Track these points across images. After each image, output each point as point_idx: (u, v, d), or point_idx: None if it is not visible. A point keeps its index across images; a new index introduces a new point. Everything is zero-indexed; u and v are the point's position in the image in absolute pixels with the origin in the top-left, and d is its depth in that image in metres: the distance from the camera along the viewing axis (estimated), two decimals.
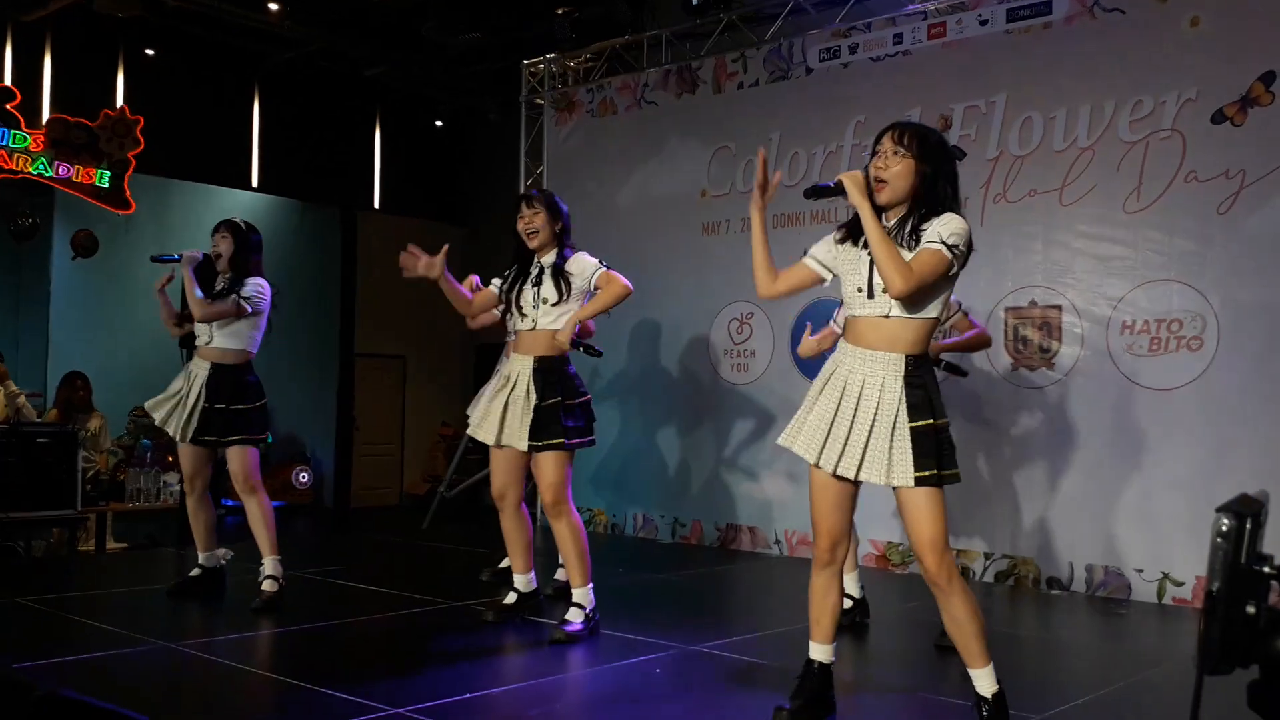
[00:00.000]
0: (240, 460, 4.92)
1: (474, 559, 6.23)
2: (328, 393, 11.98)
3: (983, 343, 4.79)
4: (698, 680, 3.96)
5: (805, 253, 3.33)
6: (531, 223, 4.45)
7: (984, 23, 6.61)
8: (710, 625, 4.99)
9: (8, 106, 9.59)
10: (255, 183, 11.48)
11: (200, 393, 4.89)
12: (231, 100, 11.25)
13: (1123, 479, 5.94)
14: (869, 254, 3.03)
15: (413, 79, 11.70)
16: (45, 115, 9.93)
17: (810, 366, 7.10)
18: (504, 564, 5.41)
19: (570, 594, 4.51)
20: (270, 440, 5.18)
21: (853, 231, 3.15)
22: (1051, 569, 6.12)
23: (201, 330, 4.95)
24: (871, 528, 6.38)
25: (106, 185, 10.13)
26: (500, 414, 4.41)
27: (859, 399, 3.03)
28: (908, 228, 3.05)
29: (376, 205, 12.44)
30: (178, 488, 7.80)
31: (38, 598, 5.05)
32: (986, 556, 6.31)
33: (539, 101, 9.12)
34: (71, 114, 9.95)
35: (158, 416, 5.02)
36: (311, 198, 12.03)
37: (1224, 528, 1.26)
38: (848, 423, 3.03)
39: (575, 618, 4.39)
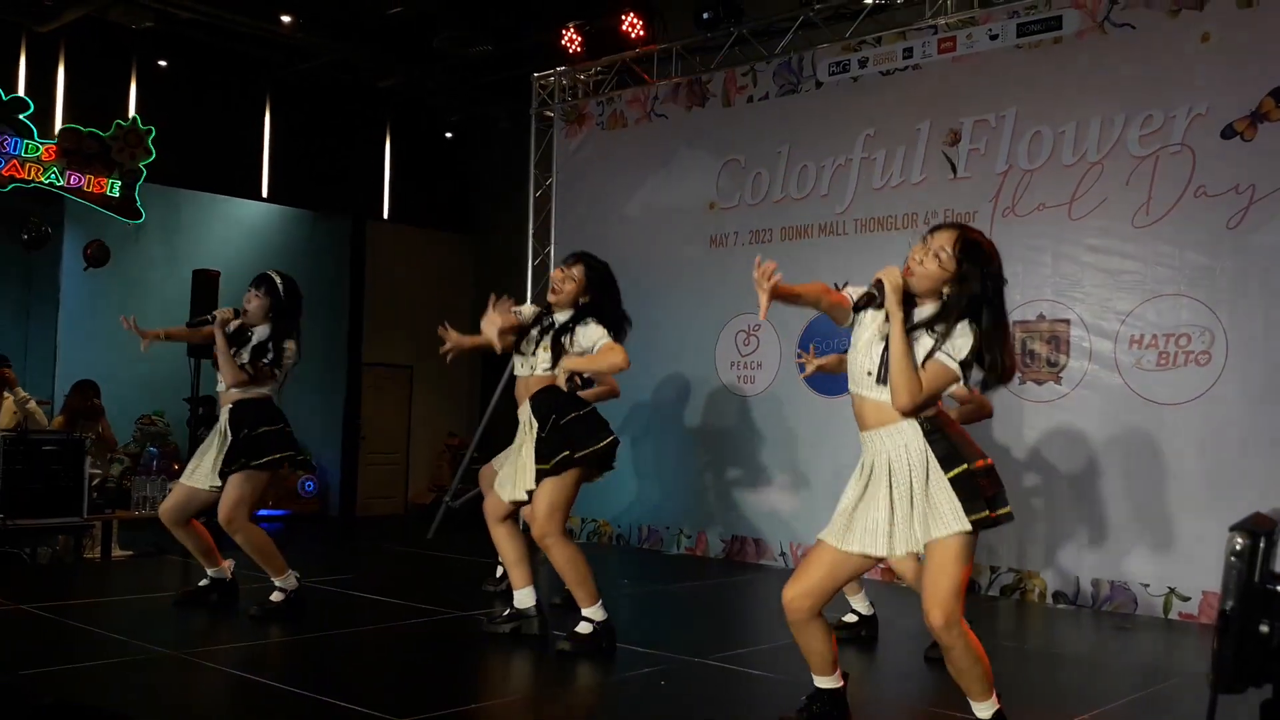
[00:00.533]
0: (238, 490, 4.81)
1: (479, 569, 6.23)
2: (335, 401, 12.00)
3: (984, 414, 4.73)
4: (704, 692, 3.95)
5: (842, 285, 3.26)
6: (562, 284, 4.46)
7: (994, 37, 6.62)
8: (717, 637, 4.98)
9: (20, 116, 9.65)
10: (265, 193, 11.51)
11: (225, 433, 4.90)
12: (243, 110, 11.30)
13: (1130, 494, 5.92)
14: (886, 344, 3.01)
15: (423, 90, 11.74)
16: (58, 125, 9.97)
17: (820, 381, 7.11)
18: (502, 572, 5.40)
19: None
20: (298, 460, 5.13)
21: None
22: (1058, 583, 6.10)
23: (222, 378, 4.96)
24: None
25: (117, 195, 10.18)
26: (520, 466, 4.42)
27: (891, 474, 3.01)
28: (934, 326, 3.01)
29: (386, 215, 12.47)
30: None
31: (43, 605, 5.05)
32: (993, 570, 6.29)
33: (549, 114, 9.14)
34: (84, 124, 10.00)
35: (193, 481, 4.97)
36: (321, 207, 12.06)
37: (1238, 546, 1.25)
38: (886, 502, 3.00)
39: (584, 630, 4.37)
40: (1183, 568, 5.67)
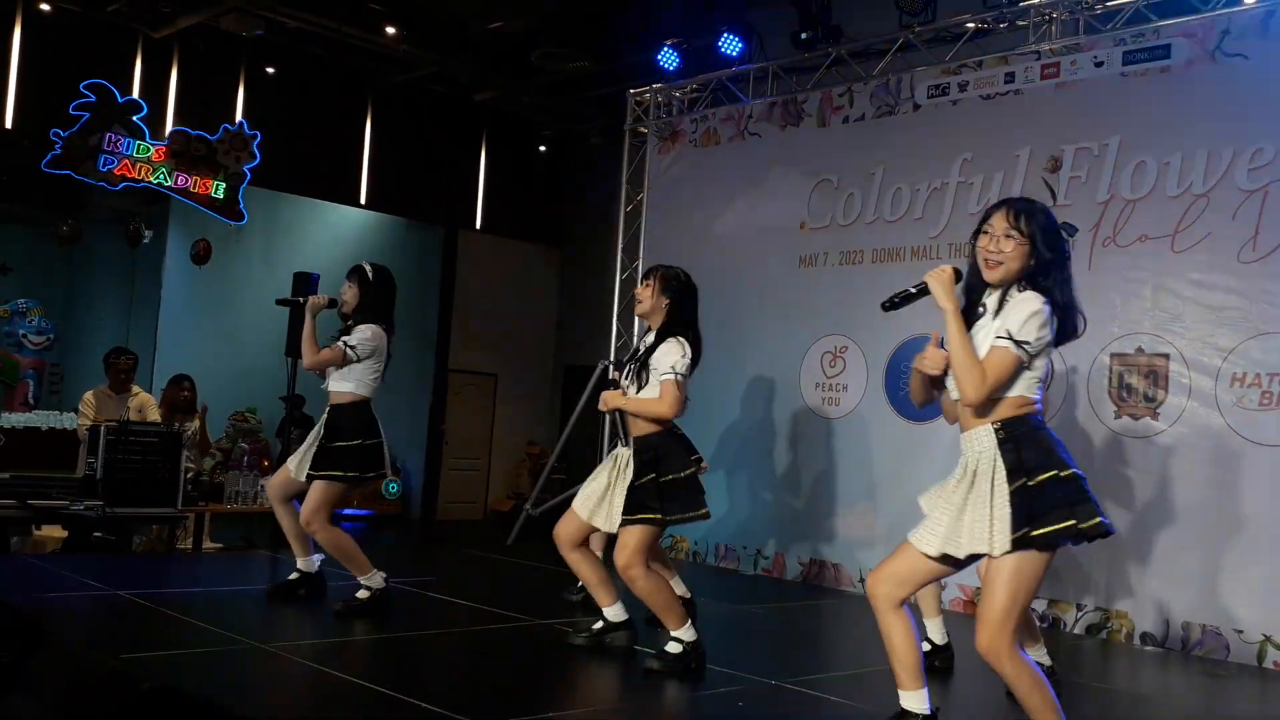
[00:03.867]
0: (317, 496, 4.90)
1: (559, 577, 6.26)
2: (420, 406, 12.19)
3: None
4: (783, 716, 3.93)
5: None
6: (640, 296, 4.56)
7: (1099, 64, 6.51)
8: (795, 660, 4.95)
9: (134, 118, 10.00)
10: (363, 199, 11.76)
11: (320, 431, 5.01)
12: (344, 118, 11.57)
13: (1225, 536, 5.74)
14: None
15: (519, 104, 11.91)
16: (168, 127, 10.32)
17: (907, 405, 7.03)
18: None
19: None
20: (369, 480, 5.21)
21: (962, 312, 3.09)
22: (1146, 624, 5.94)
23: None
24: (962, 573, 6.26)
25: (221, 196, 10.50)
26: (602, 495, 4.43)
27: (974, 477, 2.98)
28: (995, 303, 3.04)
29: (478, 226, 12.66)
30: None
31: (139, 592, 5.20)
32: (1079, 608, 6.15)
33: (642, 130, 9.20)
34: (192, 127, 10.34)
35: (290, 466, 5.10)
36: (416, 216, 12.29)
37: None
38: (957, 503, 2.98)
39: (674, 649, 4.29)
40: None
